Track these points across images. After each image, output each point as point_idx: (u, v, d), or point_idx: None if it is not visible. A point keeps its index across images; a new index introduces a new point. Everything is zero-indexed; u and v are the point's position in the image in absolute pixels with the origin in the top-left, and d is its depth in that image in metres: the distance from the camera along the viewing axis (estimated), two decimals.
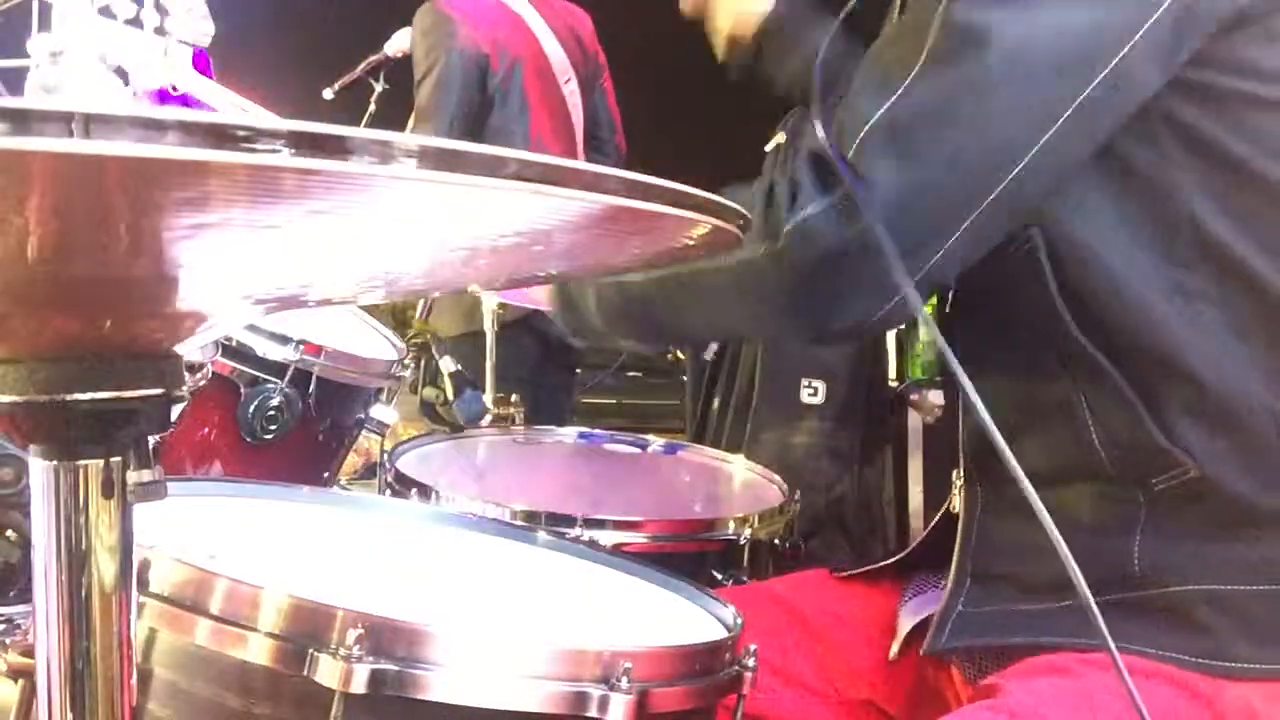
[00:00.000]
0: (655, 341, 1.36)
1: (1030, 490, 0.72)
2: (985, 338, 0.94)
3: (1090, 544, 0.82)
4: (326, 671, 0.66)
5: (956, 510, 1.00)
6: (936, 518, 1.06)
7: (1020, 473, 0.73)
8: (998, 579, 0.94)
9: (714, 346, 2.82)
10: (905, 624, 1.02)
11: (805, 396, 2.46)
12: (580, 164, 0.35)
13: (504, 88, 2.67)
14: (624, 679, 0.70)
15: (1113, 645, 0.72)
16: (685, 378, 3.24)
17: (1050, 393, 0.90)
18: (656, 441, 1.85)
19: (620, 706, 0.70)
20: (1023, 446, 0.90)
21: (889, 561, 1.10)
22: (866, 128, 0.81)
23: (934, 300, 1.02)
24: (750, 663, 0.82)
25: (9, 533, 1.16)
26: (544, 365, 2.85)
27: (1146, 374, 0.85)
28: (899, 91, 0.80)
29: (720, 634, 0.88)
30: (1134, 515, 0.87)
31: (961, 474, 1.00)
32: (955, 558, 0.97)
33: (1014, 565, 0.92)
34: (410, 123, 2.69)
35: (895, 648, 1.02)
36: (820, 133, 0.83)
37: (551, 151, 2.73)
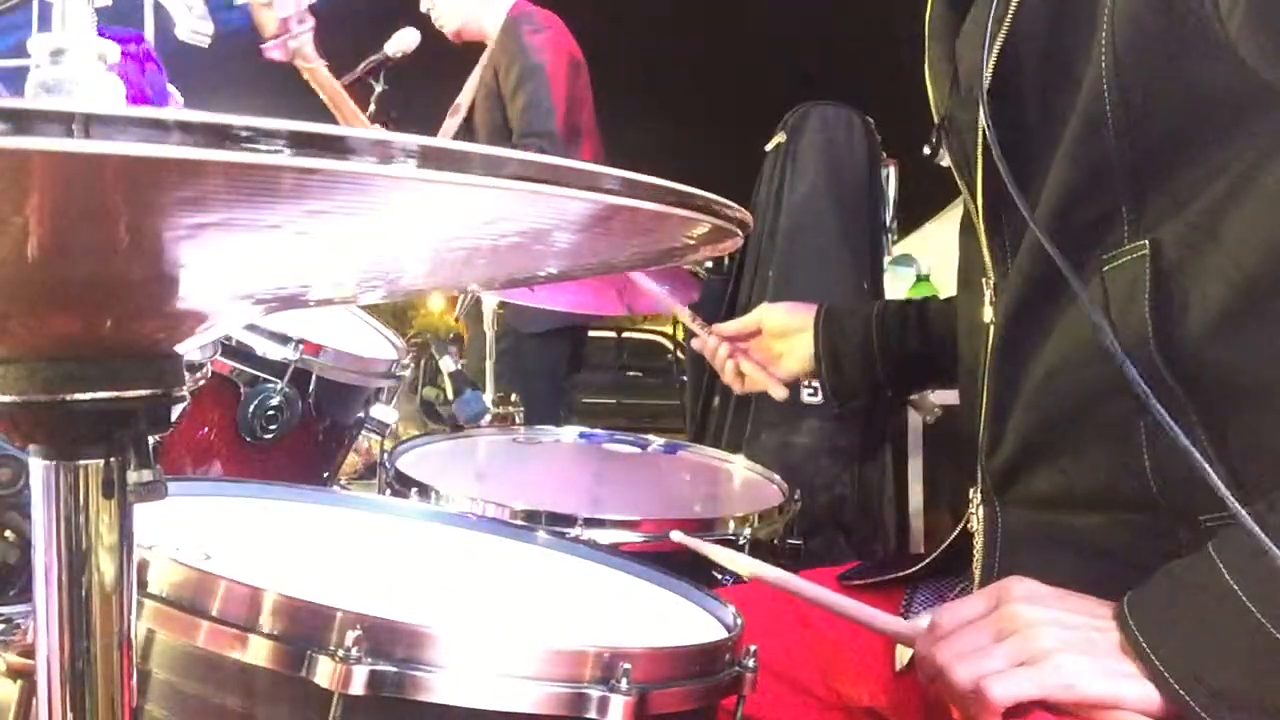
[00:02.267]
0: None
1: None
2: (1046, 343, 0.88)
3: (1122, 578, 0.78)
4: (325, 673, 0.66)
5: (973, 529, 0.98)
6: (952, 536, 1.03)
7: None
8: None
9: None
10: None
11: (805, 396, 2.45)
12: (580, 164, 0.35)
13: None
14: (623, 680, 0.70)
15: None
16: (685, 378, 3.24)
17: (1107, 413, 0.84)
18: (656, 441, 1.85)
19: (619, 708, 0.70)
20: (1062, 465, 0.88)
21: (905, 574, 1.08)
22: None
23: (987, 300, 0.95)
24: (750, 664, 0.82)
25: (8, 533, 1.16)
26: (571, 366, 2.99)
27: (1219, 407, 0.78)
28: None
29: (720, 634, 0.88)
30: (1173, 552, 0.79)
31: (979, 494, 0.97)
32: (978, 583, 0.95)
33: None
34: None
35: (905, 659, 1.00)
36: None
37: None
